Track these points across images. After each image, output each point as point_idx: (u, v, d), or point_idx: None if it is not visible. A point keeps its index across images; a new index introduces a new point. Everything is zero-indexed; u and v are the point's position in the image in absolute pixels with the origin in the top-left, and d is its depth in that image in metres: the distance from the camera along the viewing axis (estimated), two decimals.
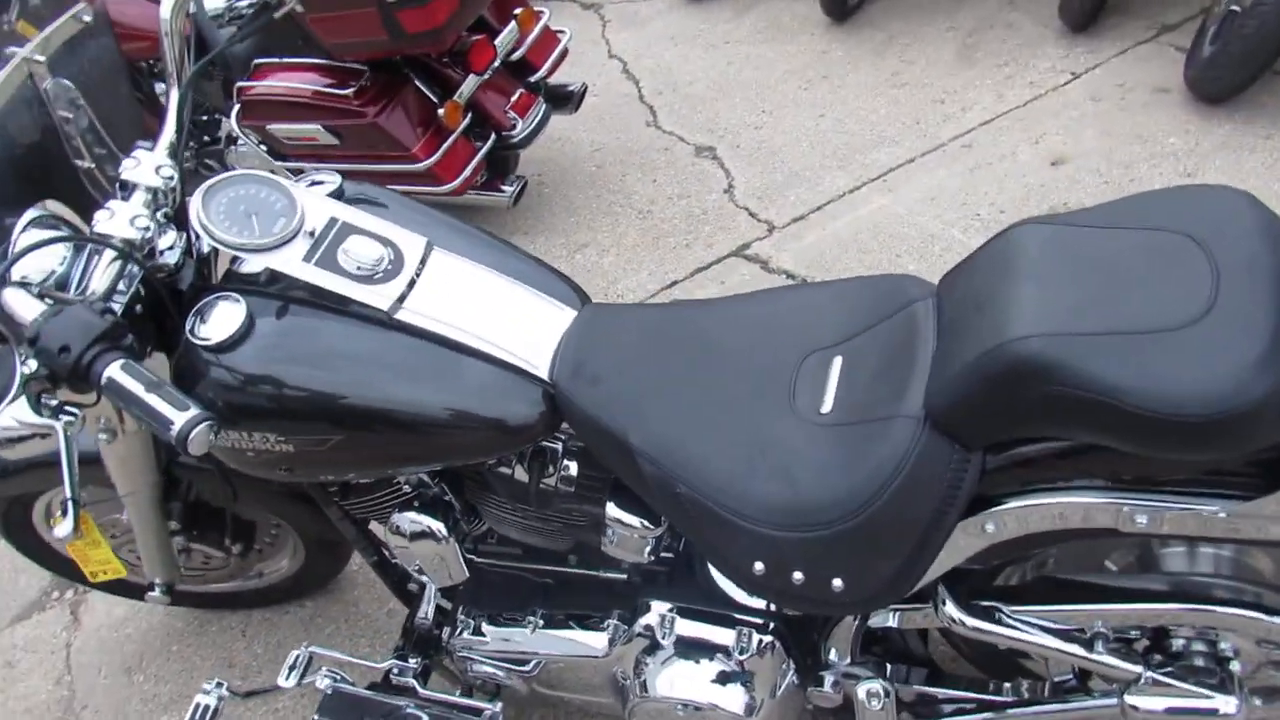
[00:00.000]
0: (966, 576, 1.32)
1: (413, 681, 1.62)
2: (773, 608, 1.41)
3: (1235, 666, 1.28)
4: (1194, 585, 1.29)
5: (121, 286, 1.31)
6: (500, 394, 1.30)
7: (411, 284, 1.32)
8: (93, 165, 1.51)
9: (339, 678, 1.68)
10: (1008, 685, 1.48)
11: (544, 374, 1.32)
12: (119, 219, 1.30)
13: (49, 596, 2.42)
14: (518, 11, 3.21)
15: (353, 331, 1.30)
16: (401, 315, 1.30)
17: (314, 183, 1.48)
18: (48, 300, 1.14)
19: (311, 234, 1.32)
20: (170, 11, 1.44)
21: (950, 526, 1.15)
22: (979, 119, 3.29)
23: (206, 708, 1.60)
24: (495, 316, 1.34)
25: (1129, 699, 1.28)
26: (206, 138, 3.70)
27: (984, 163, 3.07)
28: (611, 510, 1.37)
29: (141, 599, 1.90)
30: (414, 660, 1.64)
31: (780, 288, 1.45)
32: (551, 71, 3.36)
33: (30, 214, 1.36)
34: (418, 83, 3.05)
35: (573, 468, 1.44)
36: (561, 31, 3.44)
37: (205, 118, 3.71)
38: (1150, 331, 0.99)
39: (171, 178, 1.38)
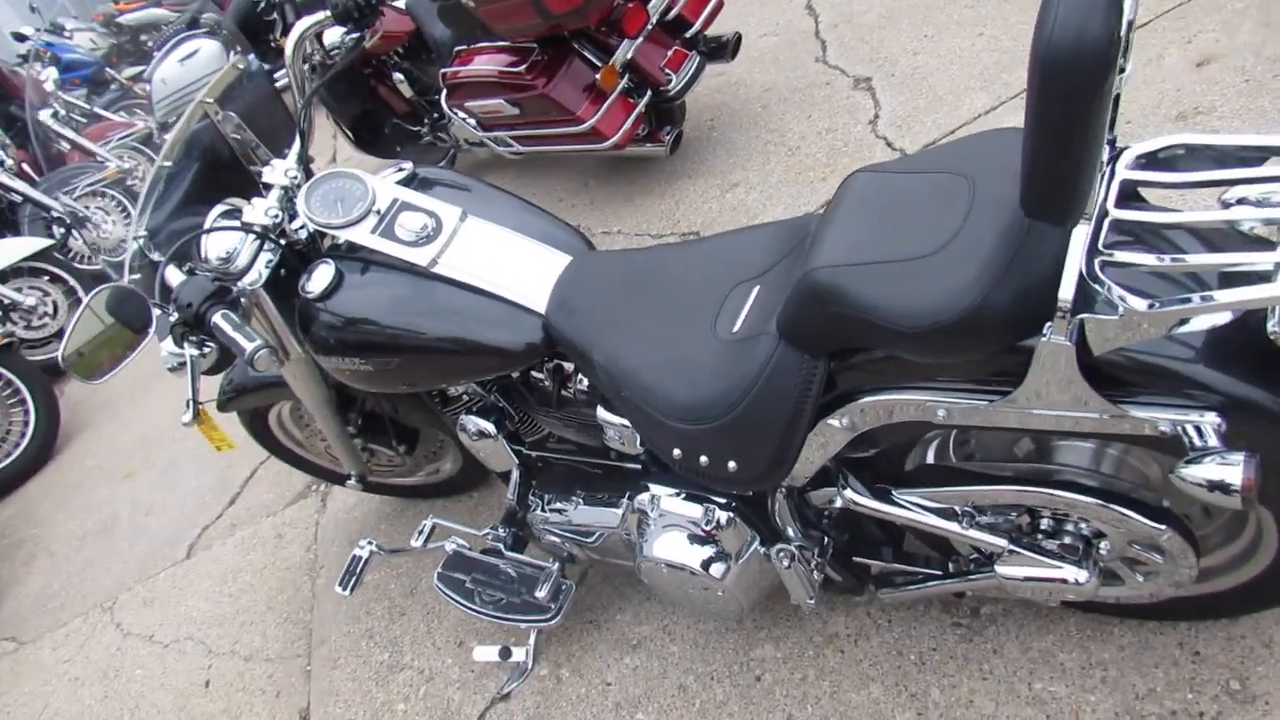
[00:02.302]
0: (872, 464, 1.58)
1: (500, 546, 2.12)
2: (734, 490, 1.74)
3: (1104, 548, 1.45)
4: (1055, 474, 1.47)
5: (269, 257, 1.88)
6: (507, 325, 1.73)
7: (446, 245, 1.77)
8: (261, 170, 2.10)
9: (461, 544, 2.22)
10: (949, 562, 1.71)
11: (540, 309, 1.73)
12: (257, 210, 1.87)
13: (309, 488, 3.20)
14: None
15: (404, 282, 1.78)
16: (438, 269, 1.75)
17: (399, 169, 1.97)
18: (188, 273, 1.72)
19: (379, 212, 1.81)
20: (291, 51, 1.98)
21: (809, 417, 1.43)
22: (1138, 21, 3.17)
23: (359, 558, 2.21)
24: (508, 265, 1.77)
25: (997, 568, 1.50)
26: (437, 114, 4.38)
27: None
28: (600, 412, 1.76)
29: (344, 485, 2.57)
30: (504, 531, 2.14)
31: (730, 231, 1.73)
32: (707, 25, 3.65)
33: (219, 208, 1.96)
34: (583, 52, 3.48)
35: (583, 380, 1.85)
36: None
37: (436, 97, 4.38)
38: (902, 260, 1.23)
39: (296, 177, 1.92)
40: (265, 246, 1.87)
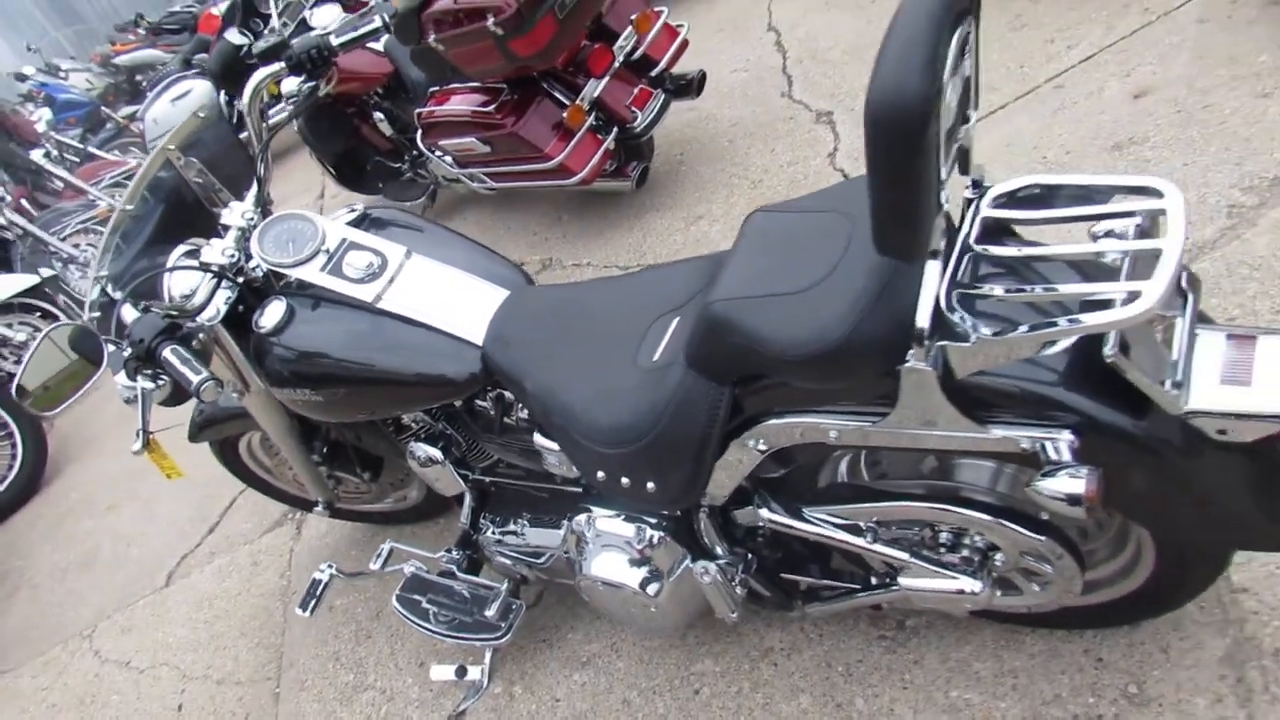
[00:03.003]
0: (787, 482, 1.67)
1: (454, 568, 2.20)
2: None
3: (998, 559, 1.54)
4: (952, 490, 1.56)
5: (228, 294, 1.98)
6: (447, 357, 1.82)
7: (391, 281, 1.88)
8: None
9: (420, 567, 2.30)
10: (869, 577, 1.79)
11: (478, 341, 1.82)
12: (214, 251, 1.97)
13: (285, 516, 3.29)
14: (634, 16, 3.67)
15: (350, 317, 1.88)
16: (382, 304, 1.85)
17: (350, 209, 2.08)
18: (142, 310, 1.81)
19: (328, 251, 1.91)
20: (248, 100, 2.09)
21: (717, 440, 1.53)
22: (1080, 56, 3.30)
23: (319, 581, 2.29)
24: (448, 300, 1.87)
25: (901, 580, 1.59)
26: (416, 151, 4.51)
27: (1069, 103, 3.11)
28: (537, 438, 1.85)
29: (312, 512, 2.66)
30: (458, 553, 2.22)
31: (656, 265, 1.83)
32: (672, 63, 3.77)
33: (181, 248, 2.06)
34: (552, 91, 3.61)
35: (523, 408, 1.94)
36: (680, 25, 3.84)
37: (415, 135, 4.51)
38: (787, 293, 1.33)
39: (253, 219, 2.03)
40: (223, 284, 1.97)
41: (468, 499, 2.21)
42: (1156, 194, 1.17)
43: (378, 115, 4.54)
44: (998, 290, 1.18)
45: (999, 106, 3.29)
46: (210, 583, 3.18)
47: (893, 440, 1.37)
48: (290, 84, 2.19)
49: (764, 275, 1.39)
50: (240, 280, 2.00)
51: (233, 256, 1.98)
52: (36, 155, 5.98)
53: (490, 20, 3.16)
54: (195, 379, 1.65)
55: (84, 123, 7.53)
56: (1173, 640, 1.66)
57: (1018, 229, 1.33)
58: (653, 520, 1.82)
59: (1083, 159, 2.85)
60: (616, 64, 3.59)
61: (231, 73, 4.17)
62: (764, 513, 1.67)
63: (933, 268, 1.18)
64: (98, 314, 1.90)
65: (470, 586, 2.22)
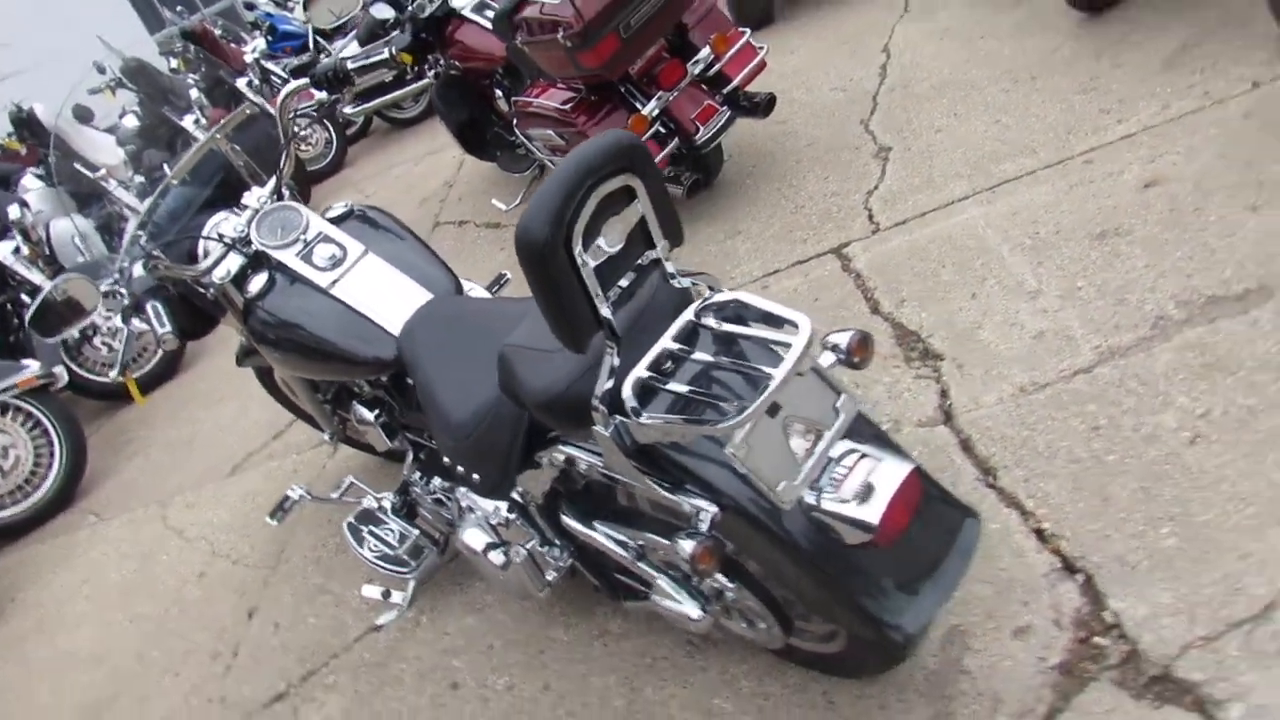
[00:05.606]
0: (588, 495, 2.00)
1: (388, 508, 2.65)
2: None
3: (729, 596, 1.82)
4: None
5: (241, 260, 2.47)
6: (371, 341, 2.25)
7: (345, 273, 2.31)
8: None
9: (376, 503, 2.77)
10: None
11: (395, 332, 2.23)
12: (228, 224, 2.46)
13: (325, 441, 3.86)
14: (713, 36, 3.93)
15: (309, 296, 2.32)
16: (334, 291, 2.30)
17: (345, 205, 2.52)
18: (150, 269, 2.32)
19: (305, 240, 2.37)
20: (280, 103, 2.56)
21: (519, 450, 1.87)
22: (1123, 132, 3.30)
23: (289, 498, 2.80)
24: (382, 295, 2.28)
25: (652, 595, 1.89)
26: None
27: (1086, 180, 3.15)
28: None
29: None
30: (396, 498, 2.67)
31: None
32: (746, 82, 4.01)
33: (219, 215, 2.57)
34: (631, 99, 3.93)
35: None
36: (761, 47, 4.05)
37: None
38: (545, 350, 1.66)
39: (265, 203, 2.50)
40: (234, 253, 2.46)
41: (410, 454, 2.65)
42: (795, 327, 1.42)
43: (497, 92, 5.00)
44: (672, 385, 1.47)
45: (1028, 171, 3.35)
46: (259, 480, 3.81)
47: (615, 478, 1.68)
48: (321, 94, 2.65)
49: (543, 331, 1.71)
50: (251, 250, 2.49)
51: (242, 231, 2.46)
52: (240, 83, 6.83)
53: (560, 33, 3.52)
54: (160, 331, 2.15)
55: (298, 52, 8.40)
56: (892, 700, 1.88)
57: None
58: (507, 503, 2.19)
59: (1066, 241, 2.92)
60: (687, 79, 3.88)
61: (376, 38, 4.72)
62: (564, 517, 2.01)
63: (608, 360, 1.48)
64: (126, 263, 2.43)
65: (401, 527, 2.67)
